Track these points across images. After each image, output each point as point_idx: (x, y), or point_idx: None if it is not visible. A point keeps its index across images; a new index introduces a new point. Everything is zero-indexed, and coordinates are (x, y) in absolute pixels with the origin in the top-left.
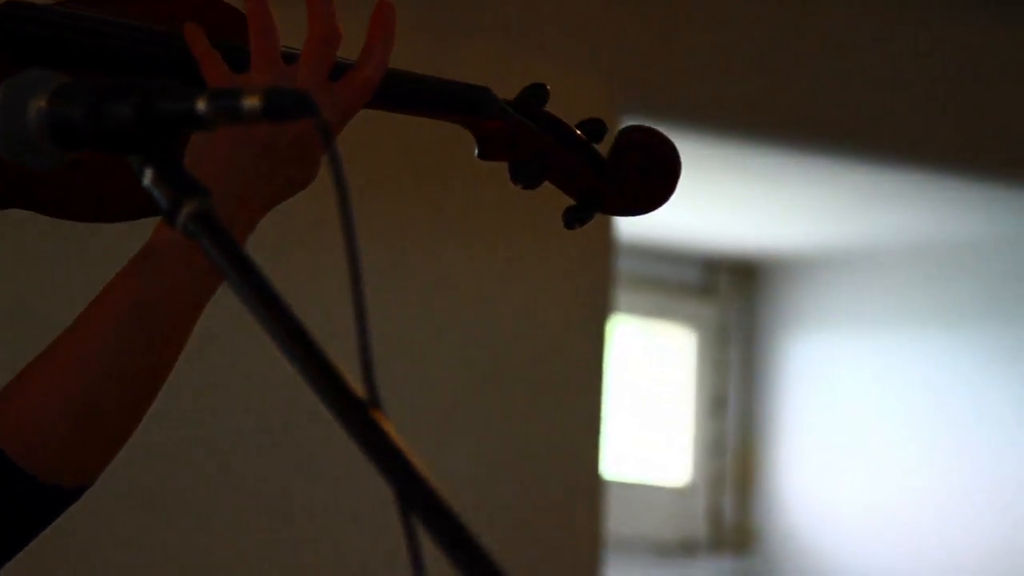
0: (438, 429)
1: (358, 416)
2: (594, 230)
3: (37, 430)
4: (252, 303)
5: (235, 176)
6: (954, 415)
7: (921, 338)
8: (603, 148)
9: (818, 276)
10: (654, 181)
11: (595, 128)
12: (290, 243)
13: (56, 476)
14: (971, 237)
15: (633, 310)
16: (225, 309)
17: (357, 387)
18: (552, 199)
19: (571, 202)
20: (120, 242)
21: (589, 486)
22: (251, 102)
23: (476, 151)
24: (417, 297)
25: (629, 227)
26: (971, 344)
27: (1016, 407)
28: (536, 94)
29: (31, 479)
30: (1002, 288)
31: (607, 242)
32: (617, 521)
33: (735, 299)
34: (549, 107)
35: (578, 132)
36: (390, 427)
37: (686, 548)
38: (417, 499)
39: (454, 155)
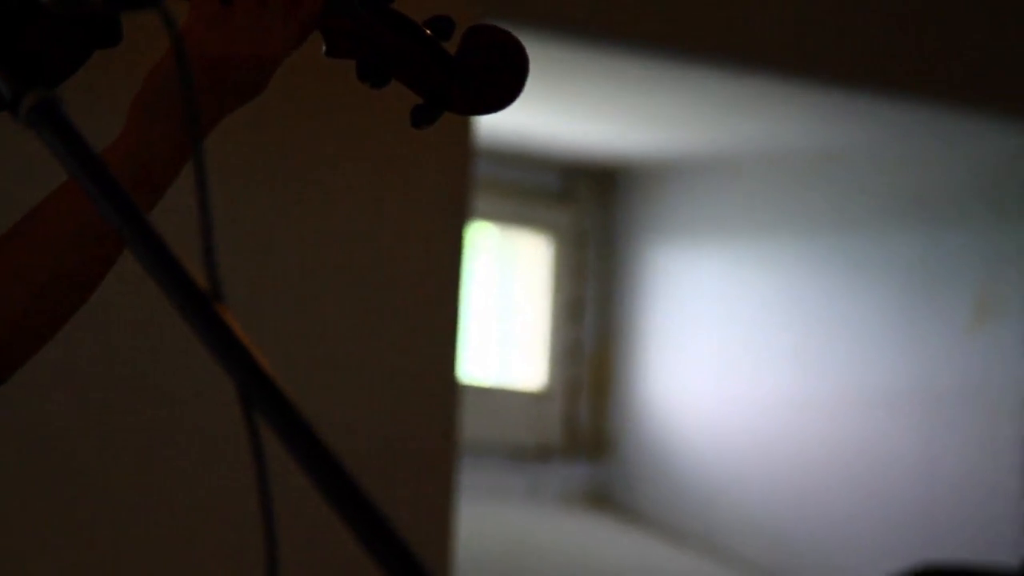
0: (294, 333)
1: (200, 309)
2: (452, 136)
3: None
4: (96, 195)
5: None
6: (807, 321)
7: (776, 245)
8: (452, 47)
9: (676, 183)
10: (501, 80)
11: (442, 26)
12: None
13: None
14: (827, 147)
15: (492, 216)
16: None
17: (201, 281)
18: (411, 103)
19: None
20: None
21: (446, 391)
22: None
23: (323, 48)
24: (273, 202)
25: (488, 133)
26: (824, 252)
27: (866, 314)
28: None
29: None
30: (856, 198)
31: (465, 148)
32: (473, 425)
33: (593, 206)
34: (411, 6)
35: (425, 30)
36: (234, 321)
37: (541, 453)
38: (259, 394)
39: (308, 55)
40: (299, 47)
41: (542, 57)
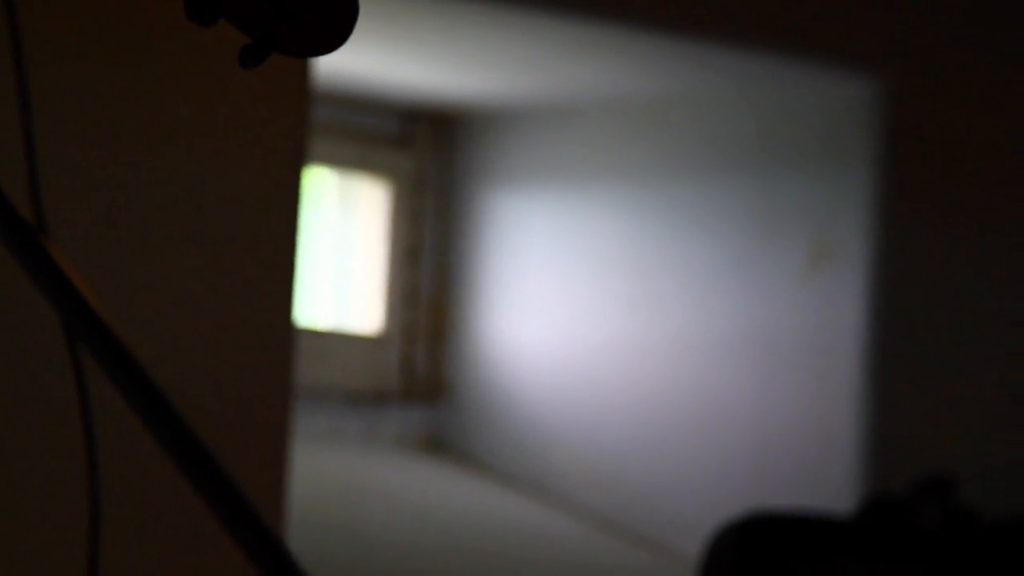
0: (126, 275)
1: (24, 240)
2: (290, 80)
3: None
4: None
5: None
6: (643, 267)
7: (613, 191)
8: None
9: (513, 129)
10: (330, 21)
11: None
12: None
13: None
14: (665, 94)
15: (330, 160)
16: None
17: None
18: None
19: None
20: None
21: (282, 334)
22: None
23: None
24: (103, 146)
25: (328, 78)
26: (661, 198)
27: (703, 259)
28: None
29: None
30: (693, 145)
31: (302, 91)
32: (310, 370)
33: (431, 151)
34: None
35: None
36: (59, 254)
37: (378, 397)
38: (83, 326)
39: None
40: None
41: (381, 2)
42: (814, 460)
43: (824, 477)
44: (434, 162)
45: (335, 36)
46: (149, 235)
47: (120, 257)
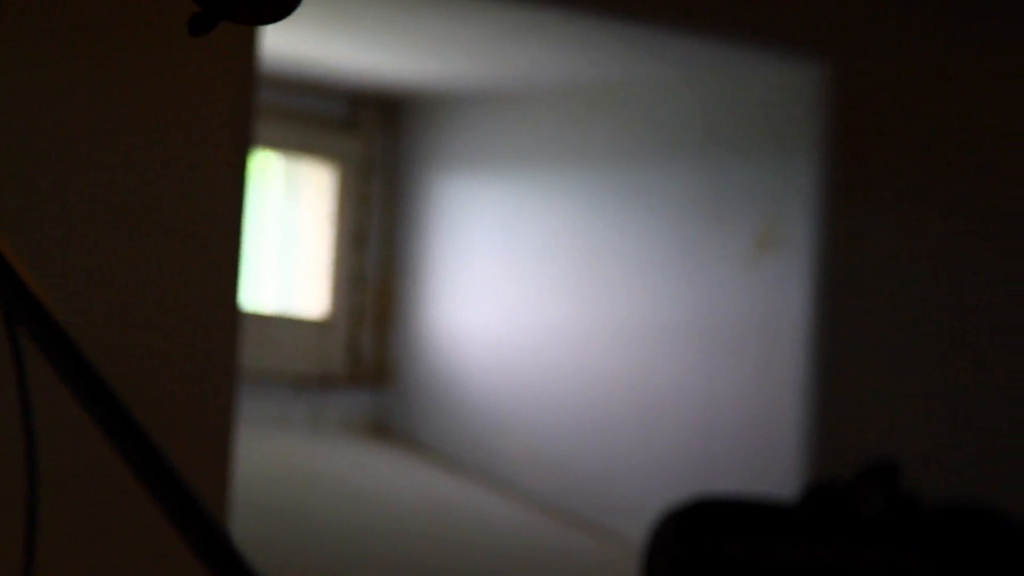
0: (70, 257)
1: None
2: (236, 61)
3: None
4: None
5: None
6: (590, 253)
7: (561, 176)
8: None
9: (461, 113)
10: None
11: None
12: None
13: None
14: (612, 79)
15: (276, 144)
16: None
17: None
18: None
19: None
20: None
21: (227, 318)
22: None
23: None
24: (45, 127)
25: (274, 60)
26: (608, 184)
27: (649, 245)
28: None
29: None
30: (639, 130)
31: (248, 74)
32: (256, 354)
33: (378, 134)
34: None
35: None
36: (3, 243)
37: (324, 381)
38: (23, 311)
39: None
40: None
41: None
42: (759, 446)
43: (769, 462)
44: (381, 146)
45: (284, 4)
46: (93, 219)
47: (63, 240)
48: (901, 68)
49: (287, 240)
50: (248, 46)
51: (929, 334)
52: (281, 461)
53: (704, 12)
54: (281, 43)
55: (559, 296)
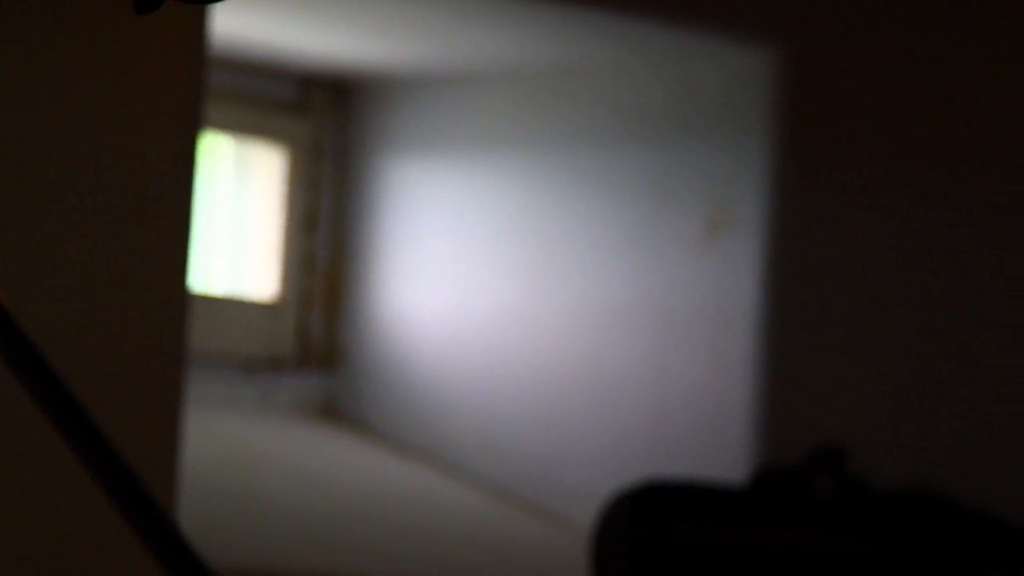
0: (14, 238)
1: None
2: (183, 42)
3: None
4: None
5: None
6: (541, 236)
7: (512, 159)
8: None
9: (412, 96)
10: None
11: None
12: None
13: None
14: (564, 62)
15: (226, 126)
16: None
17: None
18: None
19: None
20: None
21: (175, 300)
22: None
23: None
24: None
25: (222, 41)
26: (560, 167)
27: (600, 229)
28: None
29: None
30: (591, 113)
31: (197, 56)
32: (204, 336)
33: (329, 117)
34: None
35: None
36: None
37: (273, 364)
38: None
39: None
40: None
41: None
42: (709, 430)
43: (719, 447)
44: (331, 129)
45: None
46: (38, 201)
47: (5, 221)
48: (856, 51)
49: (237, 222)
50: (198, 27)
51: (880, 319)
52: (230, 443)
53: None
54: (231, 24)
55: (510, 279)
